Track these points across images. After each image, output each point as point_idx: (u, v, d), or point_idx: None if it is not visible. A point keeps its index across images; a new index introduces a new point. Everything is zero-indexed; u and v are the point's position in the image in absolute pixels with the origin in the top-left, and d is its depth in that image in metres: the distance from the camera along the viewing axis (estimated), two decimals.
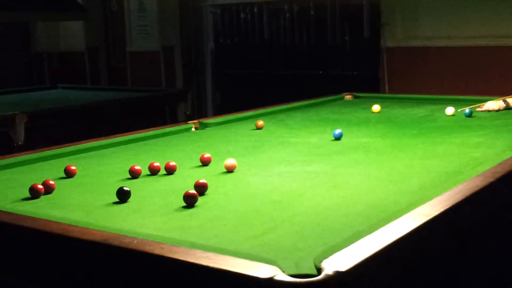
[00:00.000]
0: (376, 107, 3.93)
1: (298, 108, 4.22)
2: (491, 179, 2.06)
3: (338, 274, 1.31)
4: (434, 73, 6.16)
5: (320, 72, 7.03)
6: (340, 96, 4.67)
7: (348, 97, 4.67)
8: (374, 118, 3.73)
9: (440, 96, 4.48)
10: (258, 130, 3.37)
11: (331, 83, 6.80)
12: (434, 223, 1.67)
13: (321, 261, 1.36)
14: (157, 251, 1.47)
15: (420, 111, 3.95)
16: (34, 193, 2.07)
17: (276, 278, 1.29)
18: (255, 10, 7.37)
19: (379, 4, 6.44)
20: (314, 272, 1.34)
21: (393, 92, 6.07)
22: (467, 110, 3.64)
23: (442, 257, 1.83)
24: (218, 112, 7.51)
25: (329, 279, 1.29)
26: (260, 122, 3.44)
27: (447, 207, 1.76)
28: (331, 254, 1.41)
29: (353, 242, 1.49)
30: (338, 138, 3.02)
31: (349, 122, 3.58)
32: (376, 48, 6.54)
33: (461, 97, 4.30)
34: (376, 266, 1.44)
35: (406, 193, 2.02)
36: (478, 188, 1.96)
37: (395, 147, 2.85)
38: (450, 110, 3.71)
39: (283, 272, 1.33)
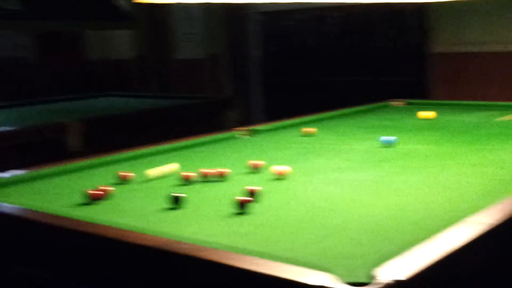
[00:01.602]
0: (426, 114, 3.88)
1: (348, 114, 4.20)
2: None
3: (393, 282, 1.30)
4: (483, 78, 6.04)
5: (367, 78, 6.98)
6: (388, 102, 4.63)
7: (397, 103, 4.62)
8: (425, 125, 3.68)
9: (491, 102, 4.39)
10: (307, 137, 3.37)
11: (378, 89, 6.74)
12: (493, 232, 1.64)
13: (375, 269, 1.36)
14: (211, 257, 1.49)
15: (470, 117, 3.89)
16: (91, 199, 2.12)
17: (330, 285, 1.29)
18: (300, 17, 7.37)
19: (425, 9, 6.36)
20: (369, 280, 1.34)
21: (441, 98, 5.97)
22: None
23: (499, 266, 1.79)
24: (266, 119, 7.53)
25: (384, 287, 1.29)
26: (310, 129, 3.43)
27: (504, 215, 1.72)
28: (385, 262, 1.40)
29: (408, 250, 1.48)
30: (388, 145, 2.99)
31: (399, 129, 3.55)
32: (423, 53, 6.46)
33: None
34: (431, 275, 1.42)
35: (459, 201, 1.99)
36: None
37: (447, 154, 2.81)
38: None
39: (337, 279, 1.32)
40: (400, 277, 1.30)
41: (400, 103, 4.61)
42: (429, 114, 3.88)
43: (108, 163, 2.76)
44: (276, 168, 2.41)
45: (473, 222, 1.66)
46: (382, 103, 4.62)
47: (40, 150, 4.06)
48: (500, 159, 2.63)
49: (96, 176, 2.56)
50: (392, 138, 3.01)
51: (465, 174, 2.40)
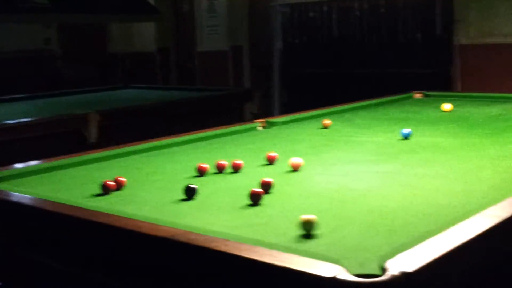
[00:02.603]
0: (447, 106, 3.84)
1: (366, 107, 4.17)
2: None
3: (403, 275, 1.29)
4: (508, 71, 5.96)
5: (391, 70, 6.92)
6: (409, 94, 4.59)
7: (417, 95, 4.57)
8: (445, 117, 3.64)
9: None
10: (325, 129, 3.36)
11: (401, 81, 6.68)
12: (506, 225, 1.61)
13: (386, 262, 1.35)
14: (222, 247, 1.49)
15: (493, 110, 3.83)
16: (106, 190, 2.14)
17: (340, 277, 1.29)
18: (325, 8, 7.32)
19: (452, 0, 6.28)
20: (379, 272, 1.33)
21: (466, 90, 5.90)
22: None
23: None
24: (285, 111, 7.52)
25: (394, 279, 1.28)
26: (327, 121, 3.42)
27: None
28: (397, 255, 1.39)
29: (420, 242, 1.46)
30: (406, 137, 2.96)
31: (419, 121, 3.51)
32: (448, 45, 6.38)
33: None
34: (444, 268, 1.41)
35: (476, 193, 1.97)
36: None
37: (466, 147, 2.77)
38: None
39: (347, 271, 1.32)
40: (407, 269, 1.29)
41: (419, 95, 4.56)
42: (450, 106, 3.83)
43: (125, 154, 2.78)
44: (291, 160, 2.41)
45: (486, 215, 1.64)
46: (405, 95, 4.57)
47: (61, 141, 4.11)
48: None
49: (113, 167, 2.58)
50: (408, 130, 2.98)
51: (483, 166, 2.37)
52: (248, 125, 3.43)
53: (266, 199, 1.97)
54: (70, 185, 2.29)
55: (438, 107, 3.92)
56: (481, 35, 6.13)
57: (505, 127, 3.23)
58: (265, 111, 7.51)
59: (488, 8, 6.01)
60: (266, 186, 2.05)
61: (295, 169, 2.39)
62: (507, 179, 2.13)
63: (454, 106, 3.88)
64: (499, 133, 3.06)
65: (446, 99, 4.18)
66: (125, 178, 2.23)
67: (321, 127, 3.39)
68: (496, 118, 3.56)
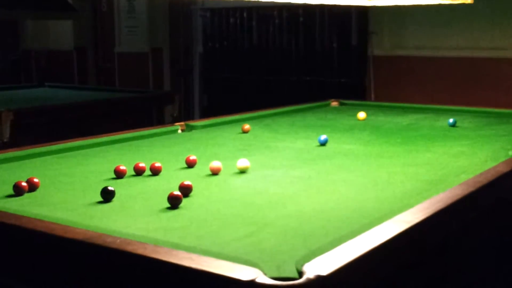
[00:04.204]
0: (361, 115, 3.96)
1: (285, 113, 4.24)
2: (472, 189, 2.09)
3: (319, 278, 1.32)
4: (419, 82, 6.23)
5: (308, 78, 7.06)
6: (326, 102, 4.70)
7: (334, 103, 4.69)
8: (359, 125, 3.76)
9: (425, 106, 4.52)
10: (244, 134, 3.39)
11: (318, 89, 6.83)
12: (415, 230, 1.69)
13: (302, 265, 1.38)
14: (140, 251, 1.48)
15: (404, 119, 3.99)
16: (18, 191, 2.07)
17: (258, 280, 1.31)
18: (245, 15, 7.39)
19: (367, 13, 6.49)
20: (296, 275, 1.36)
21: (379, 100, 6.11)
22: (451, 120, 3.68)
23: (422, 264, 1.85)
24: (205, 115, 7.52)
25: (310, 282, 1.31)
26: (246, 126, 3.45)
27: (428, 214, 1.78)
28: (313, 258, 1.42)
29: (335, 246, 1.50)
30: (323, 144, 3.04)
31: (335, 129, 3.61)
32: (363, 56, 6.59)
33: (445, 107, 4.37)
34: (357, 271, 1.46)
35: (388, 200, 2.04)
36: (459, 197, 1.99)
37: (379, 155, 2.87)
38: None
39: (265, 274, 1.34)
40: (322, 273, 1.33)
41: (335, 103, 4.69)
42: (364, 115, 3.96)
43: (39, 155, 2.70)
44: (211, 164, 2.42)
45: (398, 221, 1.71)
46: (323, 103, 4.68)
47: None
48: (429, 160, 2.71)
49: (26, 167, 2.50)
50: (325, 137, 3.06)
51: (395, 173, 2.46)
52: (168, 128, 3.41)
53: (185, 202, 1.97)
54: None
55: (353, 115, 4.04)
56: (393, 47, 6.38)
57: (415, 136, 3.37)
58: (185, 115, 7.49)
59: (400, 22, 6.27)
60: (185, 190, 2.05)
61: (214, 173, 2.40)
62: (417, 186, 2.22)
63: (368, 115, 4.01)
64: (410, 142, 3.19)
65: (361, 108, 4.31)
66: (39, 179, 2.17)
67: (240, 132, 3.42)
68: (407, 127, 3.71)
